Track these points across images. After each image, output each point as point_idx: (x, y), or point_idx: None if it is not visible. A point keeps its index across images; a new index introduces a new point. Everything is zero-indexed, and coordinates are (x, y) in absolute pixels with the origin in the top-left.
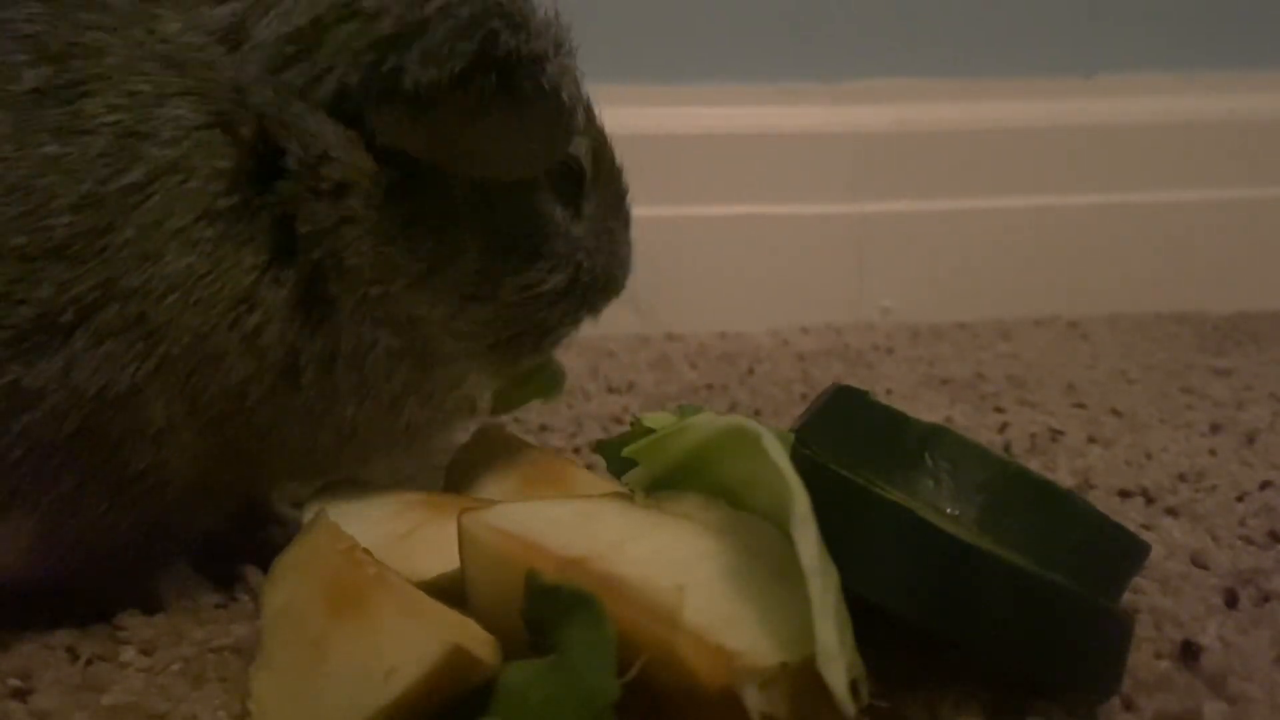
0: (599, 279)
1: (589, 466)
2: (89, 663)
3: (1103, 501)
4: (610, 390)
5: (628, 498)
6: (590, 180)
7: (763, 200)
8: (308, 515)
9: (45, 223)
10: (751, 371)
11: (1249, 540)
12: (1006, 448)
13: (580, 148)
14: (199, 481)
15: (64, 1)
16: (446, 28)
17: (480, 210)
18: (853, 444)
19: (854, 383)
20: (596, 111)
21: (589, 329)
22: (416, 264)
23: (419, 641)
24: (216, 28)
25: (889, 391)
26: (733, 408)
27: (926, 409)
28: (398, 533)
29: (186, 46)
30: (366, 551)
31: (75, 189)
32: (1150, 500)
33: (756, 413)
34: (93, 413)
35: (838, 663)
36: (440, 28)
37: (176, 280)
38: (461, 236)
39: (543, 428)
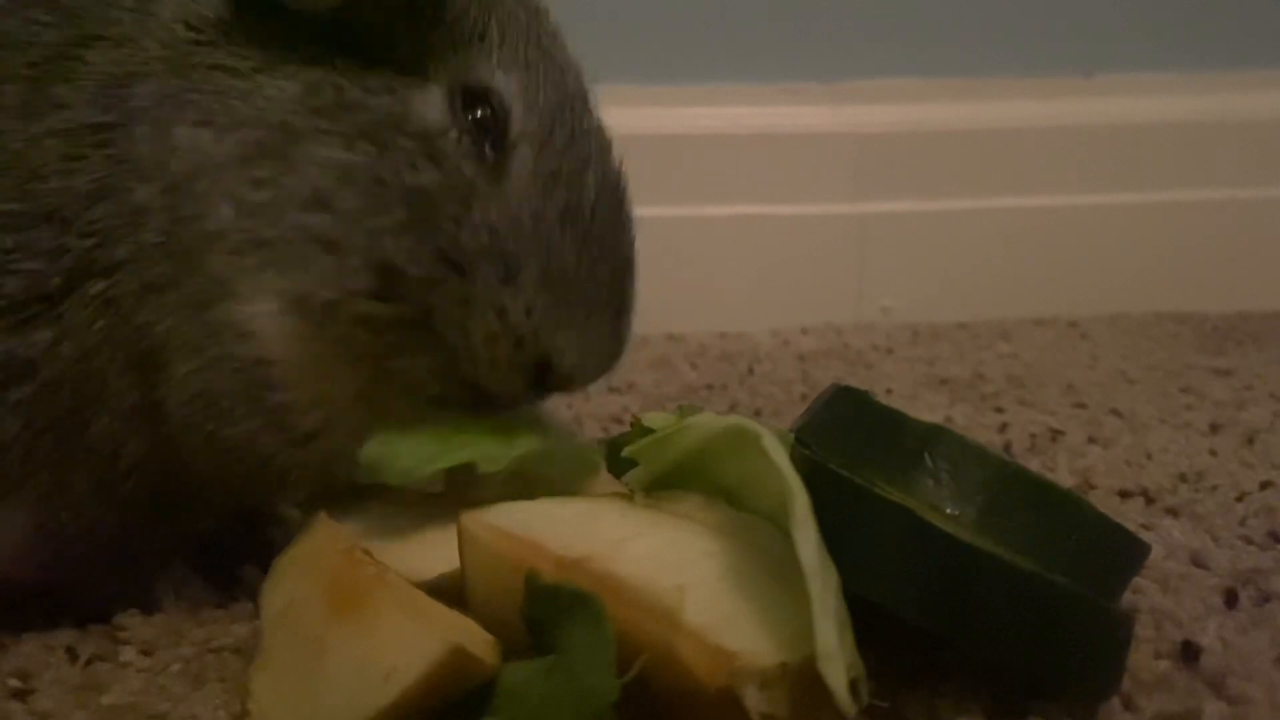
0: (523, 329)
1: None
2: (89, 663)
3: (1103, 501)
4: (610, 390)
5: (628, 498)
6: (519, 135)
7: (763, 200)
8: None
9: (37, 187)
10: (751, 371)
11: (1249, 540)
12: (1006, 448)
13: (494, 74)
14: (172, 472)
15: None
16: None
17: (321, 56)
18: (853, 444)
19: (854, 383)
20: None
21: None
22: (215, 104)
23: (419, 641)
24: None
25: (889, 391)
26: (733, 408)
27: (926, 409)
28: (398, 533)
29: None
30: (366, 551)
31: (66, 150)
32: (1150, 500)
33: (756, 413)
34: (77, 385)
35: (838, 663)
36: None
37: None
38: (276, 88)
39: None
